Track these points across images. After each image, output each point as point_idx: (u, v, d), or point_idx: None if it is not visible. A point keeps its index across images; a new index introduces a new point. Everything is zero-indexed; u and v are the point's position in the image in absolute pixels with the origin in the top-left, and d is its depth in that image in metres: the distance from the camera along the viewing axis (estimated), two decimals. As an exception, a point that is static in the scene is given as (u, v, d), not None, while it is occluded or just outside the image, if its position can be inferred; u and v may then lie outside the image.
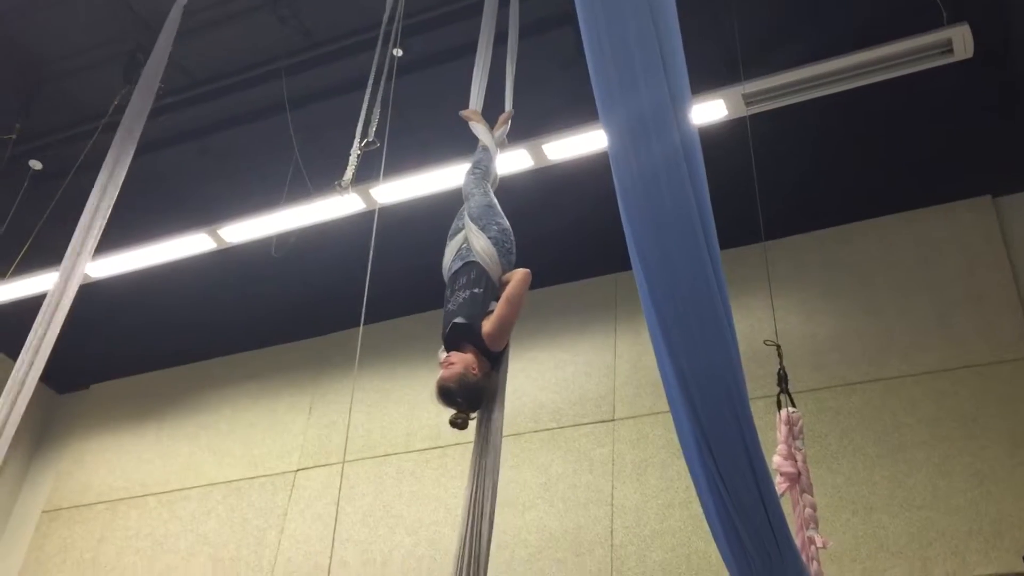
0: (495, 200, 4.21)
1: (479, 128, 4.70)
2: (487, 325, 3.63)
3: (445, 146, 6.16)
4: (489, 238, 3.90)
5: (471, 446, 3.58)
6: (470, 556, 3.27)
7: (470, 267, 3.82)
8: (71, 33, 6.78)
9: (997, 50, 5.93)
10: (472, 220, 4.00)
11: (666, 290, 2.67)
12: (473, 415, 3.60)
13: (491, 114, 4.91)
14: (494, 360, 3.70)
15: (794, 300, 6.71)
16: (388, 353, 7.68)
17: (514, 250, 4.00)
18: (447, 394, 3.55)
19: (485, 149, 4.57)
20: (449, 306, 3.76)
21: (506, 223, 4.06)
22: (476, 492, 3.40)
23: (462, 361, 3.57)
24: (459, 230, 4.03)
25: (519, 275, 3.82)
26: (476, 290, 3.72)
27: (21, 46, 6.87)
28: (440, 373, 3.59)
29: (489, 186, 4.31)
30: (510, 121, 4.85)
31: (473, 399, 3.58)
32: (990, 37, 5.67)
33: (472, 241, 3.90)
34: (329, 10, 6.56)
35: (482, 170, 4.39)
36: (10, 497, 8.84)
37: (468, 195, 4.22)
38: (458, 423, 3.57)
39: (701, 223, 2.64)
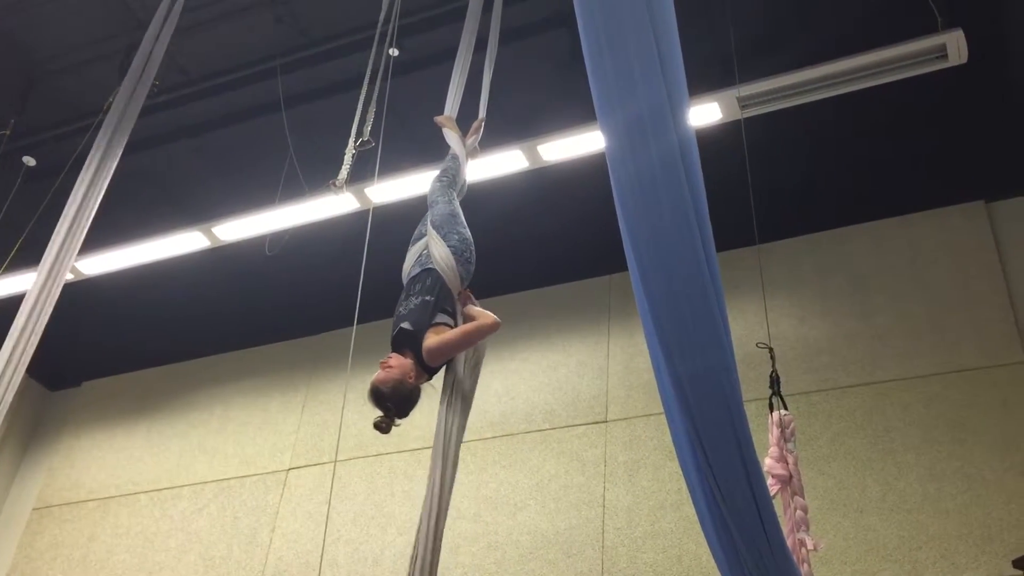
0: (459, 209, 4.22)
1: (451, 135, 4.71)
2: (430, 339, 3.62)
3: (440, 146, 6.11)
4: (449, 247, 3.91)
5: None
6: (422, 562, 3.23)
7: (427, 274, 3.84)
8: (67, 30, 6.77)
9: (991, 56, 5.95)
10: (434, 228, 4.01)
11: (662, 290, 2.68)
12: (398, 422, 3.59)
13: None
14: (431, 372, 3.69)
15: (787, 303, 6.73)
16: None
17: (473, 260, 4.01)
18: (378, 396, 3.56)
19: (455, 157, 4.57)
20: (400, 310, 3.78)
21: (467, 233, 4.07)
22: (429, 496, 3.39)
23: (400, 366, 3.58)
24: (421, 236, 4.04)
25: (488, 320, 3.76)
26: (428, 298, 3.74)
27: (16, 42, 6.86)
28: (377, 374, 3.59)
29: (455, 194, 4.32)
30: (482, 128, 4.86)
31: (403, 406, 3.59)
32: (984, 43, 5.69)
33: (432, 248, 3.91)
34: (325, 9, 6.56)
35: (449, 178, 4.40)
36: (1, 493, 8.82)
37: (433, 202, 4.23)
38: (382, 427, 3.56)
39: (698, 224, 2.65)
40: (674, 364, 2.68)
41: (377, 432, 3.58)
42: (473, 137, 4.78)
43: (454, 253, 3.89)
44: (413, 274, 3.89)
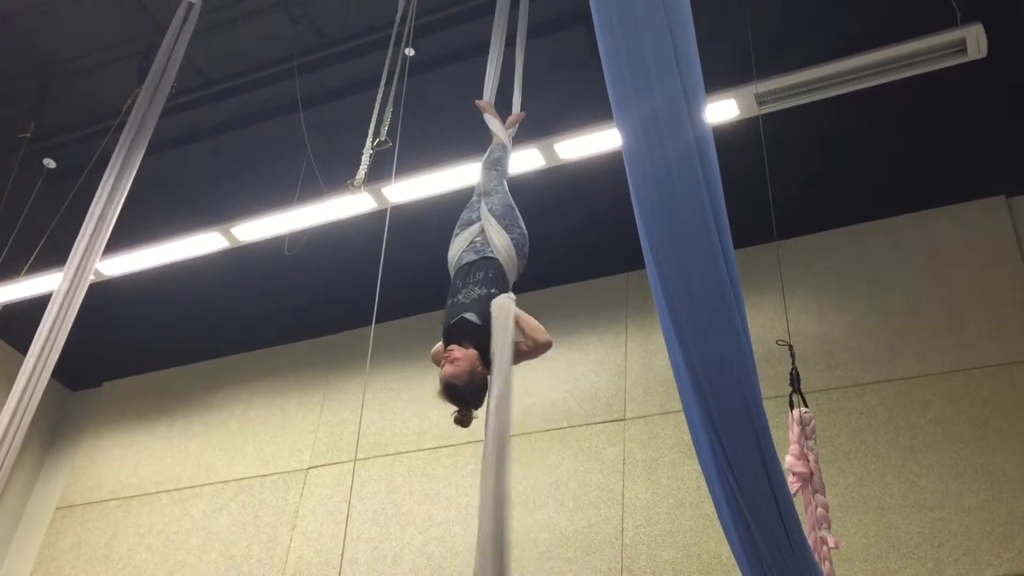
0: (514, 201, 4.12)
1: (494, 122, 4.60)
2: None
3: (457, 145, 6.17)
4: (511, 239, 3.81)
5: (482, 445, 3.55)
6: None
7: (489, 263, 3.71)
8: (85, 32, 6.82)
9: (1011, 50, 5.90)
10: (495, 217, 3.89)
11: (679, 287, 2.67)
12: (476, 414, 3.49)
13: (500, 114, 4.90)
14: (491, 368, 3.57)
15: (806, 300, 6.70)
16: (400, 351, 7.69)
17: (527, 256, 3.91)
18: (455, 392, 3.43)
19: (504, 147, 4.47)
20: (459, 298, 3.62)
21: (525, 228, 3.96)
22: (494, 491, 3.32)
23: (467, 357, 3.44)
24: (472, 222, 3.92)
25: (543, 341, 3.58)
26: (493, 290, 3.60)
27: (35, 45, 6.91)
28: (444, 368, 3.45)
29: (506, 185, 4.23)
30: (519, 123, 4.82)
31: (479, 396, 3.46)
32: (1004, 37, 5.64)
33: (494, 238, 3.79)
34: (341, 10, 6.58)
35: (502, 168, 4.30)
36: (24, 493, 8.89)
37: (489, 191, 4.11)
38: (464, 421, 3.46)
39: (714, 220, 2.64)
40: (692, 362, 2.68)
41: (458, 427, 3.47)
42: (511, 130, 4.71)
43: (515, 246, 3.79)
44: (468, 260, 3.74)
